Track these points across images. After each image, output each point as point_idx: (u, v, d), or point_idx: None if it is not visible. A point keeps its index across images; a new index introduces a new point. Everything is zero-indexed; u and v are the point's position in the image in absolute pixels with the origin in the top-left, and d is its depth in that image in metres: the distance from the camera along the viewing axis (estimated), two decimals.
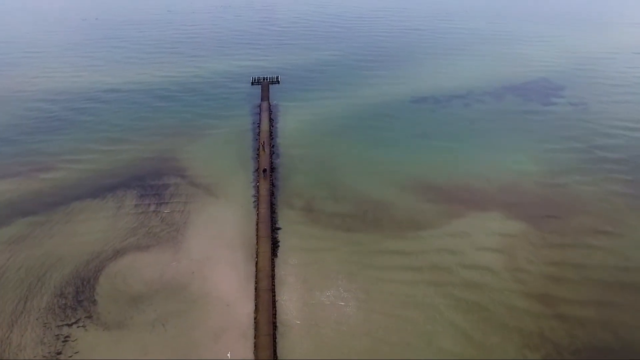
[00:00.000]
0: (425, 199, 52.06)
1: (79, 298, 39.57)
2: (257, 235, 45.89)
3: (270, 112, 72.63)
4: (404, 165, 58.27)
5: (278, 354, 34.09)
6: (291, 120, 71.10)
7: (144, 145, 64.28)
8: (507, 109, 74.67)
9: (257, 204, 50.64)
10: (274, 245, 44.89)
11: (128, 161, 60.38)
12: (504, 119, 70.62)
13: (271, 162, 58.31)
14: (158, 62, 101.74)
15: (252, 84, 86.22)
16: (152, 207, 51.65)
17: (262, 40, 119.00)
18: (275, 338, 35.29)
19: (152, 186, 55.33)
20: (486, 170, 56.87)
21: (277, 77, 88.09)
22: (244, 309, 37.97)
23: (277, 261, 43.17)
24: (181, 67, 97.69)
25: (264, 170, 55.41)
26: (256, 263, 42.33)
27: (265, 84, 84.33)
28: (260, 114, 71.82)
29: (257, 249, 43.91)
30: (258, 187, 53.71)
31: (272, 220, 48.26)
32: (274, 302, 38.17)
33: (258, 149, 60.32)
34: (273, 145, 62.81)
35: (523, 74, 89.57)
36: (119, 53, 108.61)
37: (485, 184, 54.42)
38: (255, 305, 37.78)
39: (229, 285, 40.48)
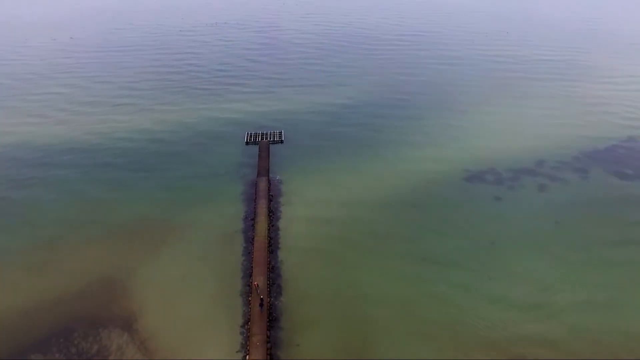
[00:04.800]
0: None
1: None
2: None
3: (269, 197, 51.99)
4: (472, 311, 37.66)
5: None
6: (299, 213, 50.11)
7: (79, 263, 43.43)
8: (599, 191, 53.64)
9: None
10: None
11: (52, 298, 39.87)
12: (601, 214, 49.59)
13: (269, 305, 37.87)
14: (119, 113, 76.71)
15: (247, 143, 65.25)
16: None
17: (260, 75, 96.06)
18: None
19: (82, 352, 35.11)
20: (610, 334, 36.13)
21: (280, 134, 67.12)
22: None
23: None
24: (150, 119, 73.92)
25: (261, 304, 37.28)
26: None
27: (264, 145, 63.44)
28: (255, 200, 51.22)
29: None
30: None
31: None
32: None
33: (250, 287, 39.65)
34: (272, 268, 42.22)
35: (604, 131, 68.31)
36: (74, 95, 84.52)
37: None
38: None
39: None
